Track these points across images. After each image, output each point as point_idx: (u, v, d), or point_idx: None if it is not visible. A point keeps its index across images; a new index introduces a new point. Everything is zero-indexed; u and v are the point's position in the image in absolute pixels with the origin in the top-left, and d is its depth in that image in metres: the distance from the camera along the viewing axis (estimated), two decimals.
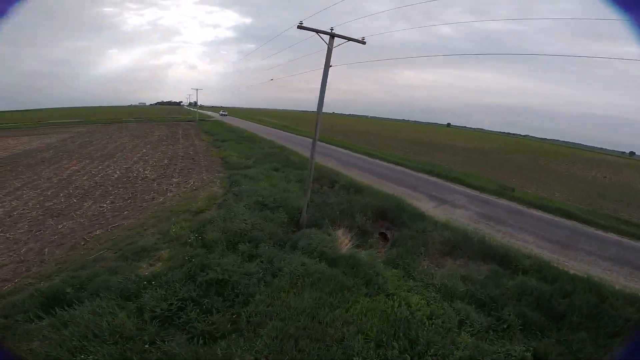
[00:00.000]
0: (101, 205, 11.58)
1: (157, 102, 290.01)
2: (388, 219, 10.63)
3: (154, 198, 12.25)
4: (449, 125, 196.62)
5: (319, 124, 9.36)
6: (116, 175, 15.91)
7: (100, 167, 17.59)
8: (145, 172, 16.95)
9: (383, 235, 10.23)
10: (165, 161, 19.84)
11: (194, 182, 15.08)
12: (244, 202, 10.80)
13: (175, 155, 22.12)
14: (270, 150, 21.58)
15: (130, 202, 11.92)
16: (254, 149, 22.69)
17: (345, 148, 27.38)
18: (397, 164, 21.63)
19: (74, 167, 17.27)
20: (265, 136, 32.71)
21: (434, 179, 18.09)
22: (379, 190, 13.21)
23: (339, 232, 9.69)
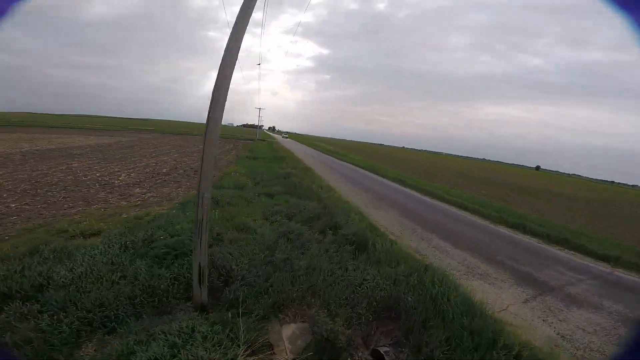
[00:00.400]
0: None
1: (243, 124, 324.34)
2: (402, 319, 4.50)
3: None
4: (538, 168, 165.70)
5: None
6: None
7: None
8: (130, 175, 14.17)
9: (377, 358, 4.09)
10: (165, 169, 16.60)
11: (153, 195, 11.06)
12: (133, 236, 5.86)
13: (184, 164, 19.02)
14: (285, 171, 16.78)
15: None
16: (272, 168, 18.30)
17: (400, 182, 21.19)
18: (464, 208, 14.67)
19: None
20: (303, 158, 30.54)
21: (524, 238, 10.78)
22: (407, 253, 6.98)
23: (284, 334, 4.07)
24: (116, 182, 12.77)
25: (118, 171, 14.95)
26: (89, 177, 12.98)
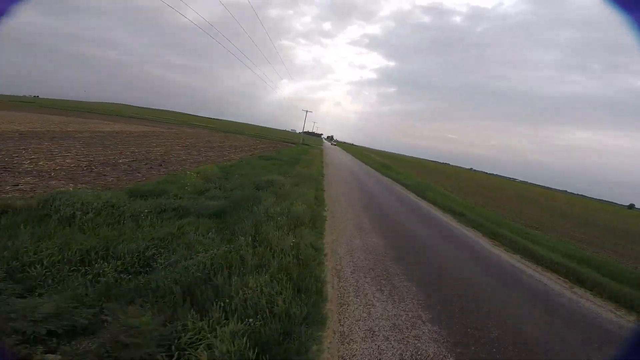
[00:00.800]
0: None
1: (305, 131, 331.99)
2: None
3: None
4: (631, 207, 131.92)
5: None
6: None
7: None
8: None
9: None
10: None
11: None
12: None
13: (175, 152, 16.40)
14: (269, 179, 11.32)
15: None
16: (267, 171, 13.79)
17: (450, 212, 13.72)
18: (545, 266, 7.96)
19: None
20: (328, 165, 27.33)
21: None
22: None
23: None
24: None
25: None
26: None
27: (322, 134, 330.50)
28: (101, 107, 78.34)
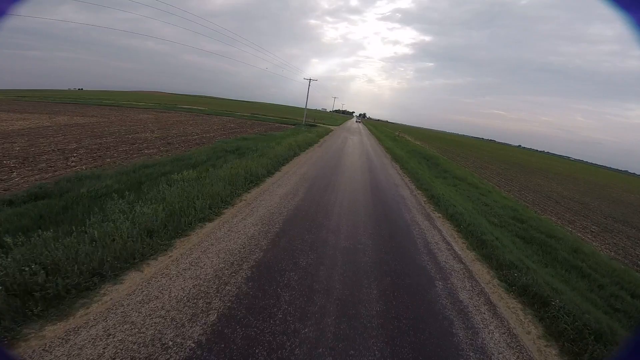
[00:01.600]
0: None
1: (336, 110, 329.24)
2: None
3: None
4: None
5: None
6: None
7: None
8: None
9: None
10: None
11: None
12: None
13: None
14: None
15: None
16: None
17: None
18: None
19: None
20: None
21: None
22: None
23: None
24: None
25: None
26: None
27: (353, 112, 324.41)
28: (141, 97, 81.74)
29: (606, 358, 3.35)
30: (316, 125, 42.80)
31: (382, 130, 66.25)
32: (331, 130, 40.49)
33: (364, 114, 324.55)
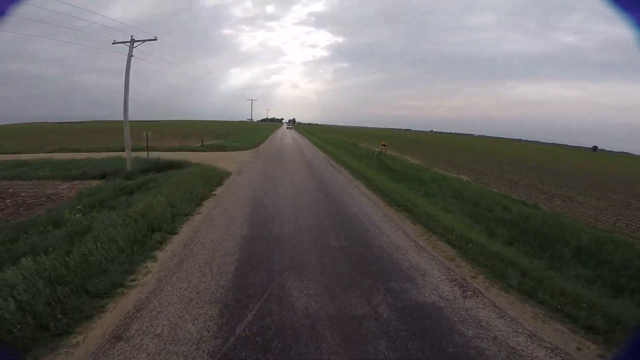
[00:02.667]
0: None
1: (262, 119, 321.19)
2: None
3: None
4: (595, 149, 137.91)
5: None
6: None
7: None
8: None
9: None
10: None
11: None
12: None
13: None
14: None
15: None
16: None
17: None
18: None
19: None
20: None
21: None
22: None
23: None
24: None
25: None
26: None
27: (282, 119, 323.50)
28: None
29: (606, 358, 3.39)
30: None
31: (324, 138, 47.60)
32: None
33: (294, 119, 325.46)
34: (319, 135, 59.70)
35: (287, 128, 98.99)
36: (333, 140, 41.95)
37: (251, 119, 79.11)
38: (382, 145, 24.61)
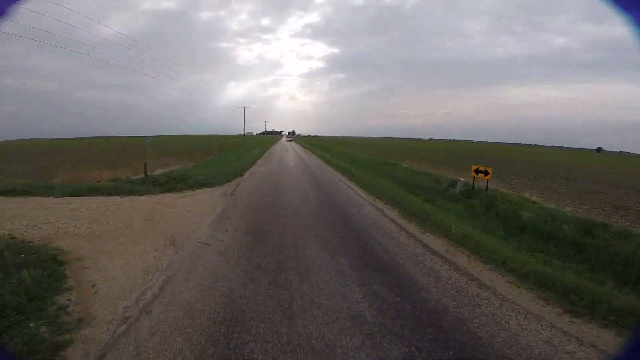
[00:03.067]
0: None
1: (262, 132, 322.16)
2: None
3: None
4: (599, 150, 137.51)
5: None
6: None
7: None
8: None
9: None
10: None
11: None
12: None
13: None
14: None
15: None
16: None
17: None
18: None
19: None
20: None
21: None
22: None
23: None
24: None
25: None
26: None
27: (282, 131, 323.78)
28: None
29: (606, 358, 3.34)
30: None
31: (338, 154, 35.60)
32: None
33: (293, 131, 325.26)
34: (327, 148, 47.52)
35: (287, 140, 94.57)
36: (351, 158, 29.66)
37: (244, 134, 62.20)
38: (479, 173, 11.45)
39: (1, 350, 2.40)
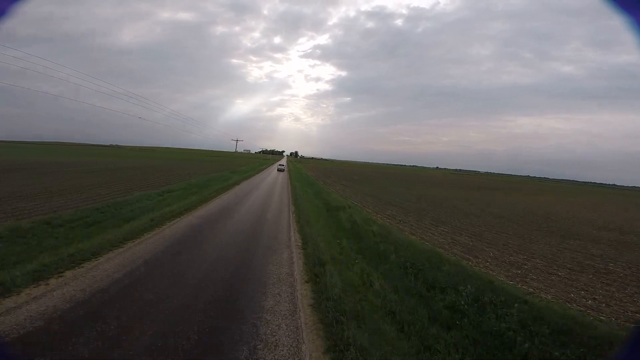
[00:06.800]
0: None
1: (261, 150, 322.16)
2: None
3: None
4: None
5: None
6: None
7: None
8: None
9: None
10: None
11: None
12: None
13: None
14: None
15: None
16: None
17: None
18: None
19: None
20: None
21: None
22: None
23: None
24: None
25: None
26: None
27: (283, 151, 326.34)
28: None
29: (606, 358, 3.29)
30: None
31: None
32: None
33: (296, 152, 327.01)
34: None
35: (279, 170, 55.75)
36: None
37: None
38: None
39: (1, 350, 2.51)
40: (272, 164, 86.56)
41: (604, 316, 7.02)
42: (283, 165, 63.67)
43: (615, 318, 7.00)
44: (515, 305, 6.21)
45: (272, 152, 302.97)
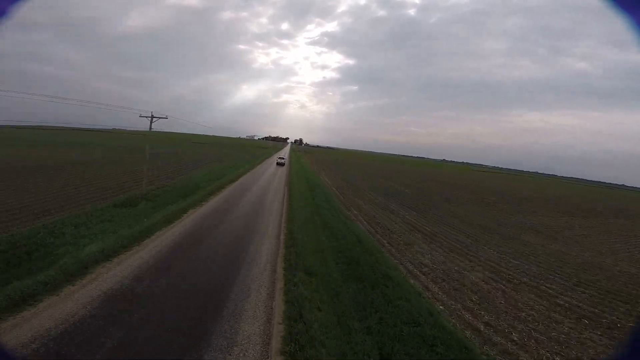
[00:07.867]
0: None
1: (265, 137, 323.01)
2: None
3: None
4: None
5: None
6: None
7: None
8: None
9: None
10: None
11: None
12: None
13: None
14: None
15: None
16: None
17: None
18: None
19: None
20: None
21: None
22: None
23: None
24: None
25: None
26: None
27: (287, 138, 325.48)
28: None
29: (606, 358, 3.30)
30: None
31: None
32: None
33: (301, 139, 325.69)
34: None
35: (279, 163, 51.39)
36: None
37: (260, 137, 66.94)
38: None
39: (1, 350, 2.52)
40: (267, 158, 66.97)
41: None
42: (284, 158, 55.69)
43: None
44: None
45: (275, 139, 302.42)
